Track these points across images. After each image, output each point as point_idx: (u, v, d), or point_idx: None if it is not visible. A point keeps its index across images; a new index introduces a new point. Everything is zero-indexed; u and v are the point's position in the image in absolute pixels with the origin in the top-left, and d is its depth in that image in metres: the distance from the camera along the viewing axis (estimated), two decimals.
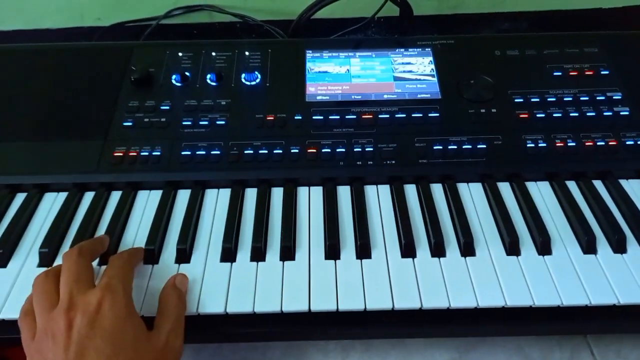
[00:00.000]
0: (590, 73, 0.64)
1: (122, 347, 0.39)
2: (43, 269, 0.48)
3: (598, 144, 0.58)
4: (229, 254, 0.49)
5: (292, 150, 0.57)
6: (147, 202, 0.55)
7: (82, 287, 0.41)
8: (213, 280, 0.47)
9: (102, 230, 0.52)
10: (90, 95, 0.63)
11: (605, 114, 0.60)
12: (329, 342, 0.52)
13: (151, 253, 0.50)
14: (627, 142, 0.57)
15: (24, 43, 0.69)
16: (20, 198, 0.55)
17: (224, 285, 0.47)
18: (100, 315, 0.39)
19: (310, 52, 0.67)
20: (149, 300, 0.46)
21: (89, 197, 0.55)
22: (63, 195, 0.55)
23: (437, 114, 0.60)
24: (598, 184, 0.56)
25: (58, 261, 0.50)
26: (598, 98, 0.62)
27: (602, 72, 0.64)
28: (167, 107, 0.61)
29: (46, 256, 0.49)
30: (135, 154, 0.57)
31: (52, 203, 0.55)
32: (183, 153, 0.57)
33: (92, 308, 0.39)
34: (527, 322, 0.47)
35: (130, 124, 0.60)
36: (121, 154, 0.57)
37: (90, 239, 0.49)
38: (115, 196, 0.55)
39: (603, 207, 0.53)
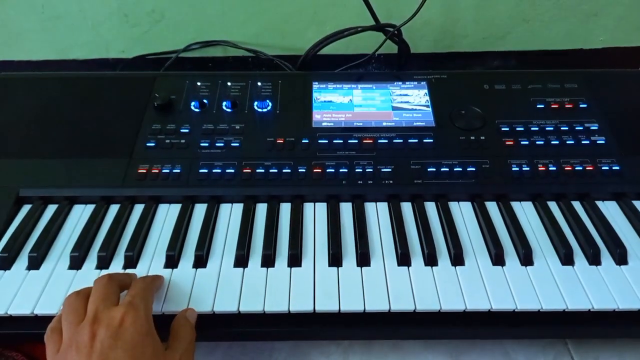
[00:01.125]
0: (570, 106, 0.71)
1: None
2: (73, 271, 0.54)
3: (576, 168, 0.63)
4: (241, 260, 0.55)
5: (300, 170, 0.63)
6: (167, 214, 0.60)
7: (107, 305, 0.45)
8: (227, 282, 0.52)
9: (126, 238, 0.57)
10: (117, 118, 0.69)
11: (583, 142, 0.66)
12: (330, 345, 0.57)
13: (171, 258, 0.55)
14: (603, 168, 0.63)
15: (53, 72, 0.76)
16: (51, 209, 0.61)
17: (237, 288, 0.52)
18: (123, 329, 0.42)
19: (317, 83, 0.74)
20: (169, 298, 0.51)
21: (114, 209, 0.61)
22: (91, 207, 0.61)
23: (431, 140, 0.66)
24: (577, 205, 0.61)
25: (87, 265, 0.55)
26: (577, 128, 0.68)
27: (581, 106, 0.71)
28: (187, 130, 0.67)
29: (76, 259, 0.54)
30: (157, 171, 0.63)
31: (80, 214, 0.60)
32: (200, 171, 0.63)
33: (115, 322, 0.43)
34: (512, 326, 0.51)
35: (153, 144, 0.66)
36: (144, 171, 0.63)
37: (131, 277, 0.52)
38: (138, 208, 0.61)
39: (580, 225, 0.58)
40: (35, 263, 0.54)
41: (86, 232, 0.57)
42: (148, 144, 0.66)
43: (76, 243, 0.56)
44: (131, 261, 0.54)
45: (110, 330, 0.42)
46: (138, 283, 0.49)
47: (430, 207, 0.61)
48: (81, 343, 0.42)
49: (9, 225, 0.59)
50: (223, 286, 0.52)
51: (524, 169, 0.63)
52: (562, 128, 0.68)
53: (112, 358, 0.41)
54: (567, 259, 0.55)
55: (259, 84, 0.74)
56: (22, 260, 0.55)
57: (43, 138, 0.67)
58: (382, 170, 0.63)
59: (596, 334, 0.54)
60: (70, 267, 0.55)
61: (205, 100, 0.71)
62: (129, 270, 0.54)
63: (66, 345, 0.43)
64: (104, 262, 0.54)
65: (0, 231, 0.58)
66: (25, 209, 0.61)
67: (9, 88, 0.73)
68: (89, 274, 0.54)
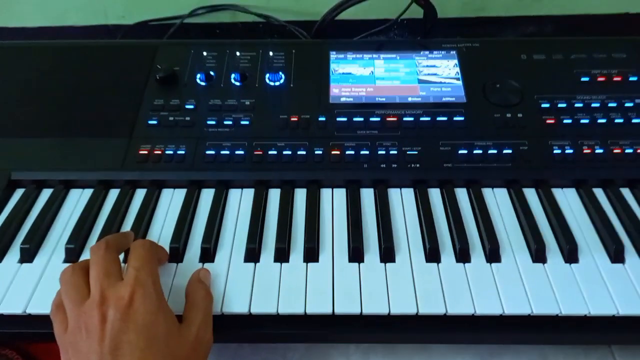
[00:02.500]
0: (619, 79, 0.63)
1: (155, 341, 0.39)
2: (69, 265, 0.49)
3: (626, 151, 0.57)
4: (252, 255, 0.49)
5: (316, 152, 0.57)
6: (171, 200, 0.55)
7: (112, 281, 0.41)
8: (237, 280, 0.48)
9: (127, 227, 0.52)
10: (115, 92, 0.63)
11: (633, 120, 0.59)
12: (349, 345, 0.52)
13: (176, 251, 0.50)
14: None
15: (47, 40, 0.70)
16: (46, 194, 0.56)
17: (248, 286, 0.47)
18: (133, 310, 0.40)
19: (334, 53, 0.67)
20: (174, 298, 0.46)
21: (114, 194, 0.56)
22: (88, 192, 0.56)
23: (462, 118, 0.60)
24: (626, 192, 0.55)
25: (84, 257, 0.50)
26: (626, 105, 0.61)
27: (631, 79, 0.63)
28: (192, 106, 0.61)
29: (72, 252, 0.50)
30: (160, 152, 0.57)
31: (77, 200, 0.56)
32: (207, 152, 0.57)
33: (124, 303, 0.40)
34: (553, 331, 0.46)
35: (155, 122, 0.60)
36: (146, 152, 0.57)
37: (118, 233, 0.49)
38: (140, 194, 0.56)
39: (631, 216, 0.52)
40: (27, 255, 0.50)
41: (83, 221, 0.52)
42: (150, 122, 0.60)
43: (72, 233, 0.51)
44: None
45: (120, 312, 0.39)
46: (138, 250, 0.45)
47: (462, 194, 0.55)
48: (91, 325, 0.39)
49: (0, 212, 0.54)
50: (232, 284, 0.47)
51: (566, 151, 0.57)
52: (609, 104, 0.61)
53: (125, 341, 0.38)
54: (617, 255, 0.49)
55: (271, 53, 0.67)
56: (14, 252, 0.50)
57: (36, 115, 0.62)
58: (408, 152, 0.57)
59: None
60: (66, 261, 0.50)
61: (211, 72, 0.64)
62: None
63: (74, 327, 0.40)
64: None
65: None
66: (18, 193, 0.56)
67: (0, 59, 0.68)
68: None
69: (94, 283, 0.42)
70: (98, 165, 0.57)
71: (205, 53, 0.67)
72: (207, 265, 0.49)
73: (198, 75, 0.64)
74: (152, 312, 0.40)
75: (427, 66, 0.66)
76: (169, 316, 0.41)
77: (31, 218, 0.53)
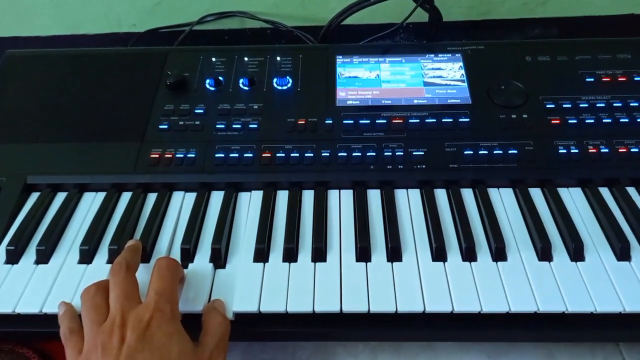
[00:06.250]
0: (624, 79, 0.64)
1: None
2: (84, 266, 0.51)
3: (632, 150, 0.57)
4: (261, 255, 0.50)
5: (323, 154, 0.58)
6: (182, 203, 0.56)
7: (132, 304, 0.43)
8: (246, 279, 0.48)
9: (139, 229, 0.53)
10: (127, 98, 0.65)
11: (638, 120, 0.60)
12: (357, 344, 0.53)
13: (187, 252, 0.51)
14: None
15: (62, 48, 0.72)
16: (60, 197, 0.57)
17: (257, 285, 0.48)
18: (150, 332, 0.41)
19: (341, 57, 0.68)
20: (185, 296, 0.47)
21: (126, 197, 0.57)
22: (101, 195, 0.57)
23: (468, 119, 0.60)
24: (632, 191, 0.55)
25: (98, 258, 0.51)
26: (631, 104, 0.61)
27: (636, 79, 0.64)
28: (201, 111, 0.63)
29: (86, 253, 0.51)
30: (170, 156, 0.58)
31: (91, 202, 0.57)
32: (217, 155, 0.58)
33: (142, 325, 0.41)
34: (559, 328, 0.47)
35: (165, 127, 0.61)
36: (157, 156, 0.58)
37: (130, 249, 0.49)
38: (152, 197, 0.57)
39: (637, 214, 0.52)
40: (43, 257, 0.51)
41: (97, 223, 0.54)
42: (160, 127, 0.61)
43: (86, 235, 0.53)
44: (144, 255, 0.51)
45: (137, 333, 0.41)
46: (163, 271, 0.46)
47: (468, 195, 0.56)
48: (108, 344, 0.41)
49: (16, 215, 0.56)
50: (242, 283, 0.48)
51: (572, 151, 0.57)
52: (614, 104, 0.61)
53: (139, 359, 0.40)
54: (623, 253, 0.49)
55: (278, 58, 0.68)
56: (30, 253, 0.52)
57: (51, 121, 0.63)
58: (414, 153, 0.58)
59: None
60: (81, 262, 0.51)
61: (220, 78, 0.66)
62: (143, 265, 0.50)
63: (91, 346, 0.42)
64: (115, 256, 0.50)
65: (7, 222, 0.55)
66: (34, 197, 0.57)
67: (16, 67, 0.69)
68: (100, 269, 0.50)
69: (115, 305, 0.43)
70: (111, 169, 0.58)
71: (214, 59, 0.68)
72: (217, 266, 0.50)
73: (207, 81, 0.65)
74: (167, 335, 0.42)
75: (433, 69, 0.66)
76: (184, 338, 0.43)
77: (46, 221, 0.55)
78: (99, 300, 0.44)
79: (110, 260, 0.51)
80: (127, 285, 0.44)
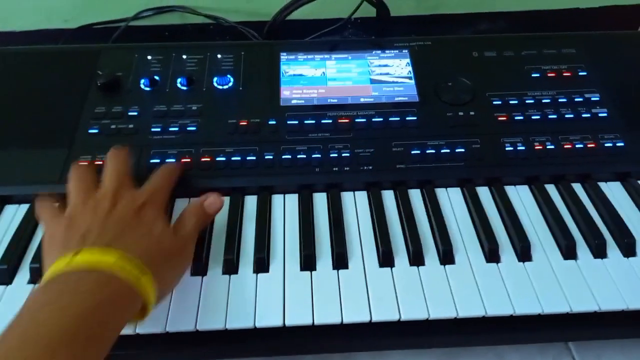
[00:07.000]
0: (568, 74, 0.64)
1: (151, 235, 0.43)
2: (2, 287, 0.46)
3: (577, 146, 0.57)
4: (199, 269, 0.47)
5: (266, 157, 0.55)
6: None
7: (128, 184, 0.46)
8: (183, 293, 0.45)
9: None
10: (55, 101, 0.60)
11: (583, 115, 0.59)
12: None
13: None
14: (606, 145, 0.57)
15: None
16: None
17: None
18: (142, 212, 0.44)
19: (285, 54, 0.66)
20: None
21: None
22: (24, 208, 0.53)
23: (415, 118, 0.59)
24: (577, 187, 0.55)
25: (18, 278, 0.47)
26: (576, 100, 0.61)
27: (580, 73, 0.64)
28: (135, 113, 0.59)
29: (5, 273, 0.47)
30: (101, 162, 0.54)
31: (12, 216, 0.52)
32: (152, 161, 0.54)
33: (136, 205, 0.44)
34: (508, 330, 0.46)
35: (96, 131, 0.57)
36: (86, 164, 0.54)
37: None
38: None
39: (583, 212, 0.52)
40: None
41: (18, 239, 0.49)
42: (90, 131, 0.57)
43: (5, 252, 0.48)
44: None
45: (129, 207, 0.43)
46: (164, 172, 0.50)
47: (415, 195, 0.54)
48: (99, 207, 0.43)
49: None
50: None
51: (518, 148, 0.56)
52: (560, 100, 0.61)
53: (127, 225, 0.42)
54: (568, 252, 0.49)
55: (219, 56, 0.65)
56: None
57: None
58: (360, 154, 0.56)
59: (598, 335, 0.49)
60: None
61: (156, 77, 0.62)
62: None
63: (79, 207, 0.43)
64: (38, 275, 0.46)
65: None
66: None
67: None
68: (21, 289, 0.46)
69: (112, 177, 0.46)
70: (35, 178, 0.53)
71: (149, 57, 0.64)
72: None
73: (142, 81, 0.61)
74: (155, 217, 0.44)
75: (380, 66, 0.65)
76: (168, 224, 0.45)
77: None
78: (91, 175, 0.47)
79: (32, 281, 0.47)
80: (124, 168, 0.47)
